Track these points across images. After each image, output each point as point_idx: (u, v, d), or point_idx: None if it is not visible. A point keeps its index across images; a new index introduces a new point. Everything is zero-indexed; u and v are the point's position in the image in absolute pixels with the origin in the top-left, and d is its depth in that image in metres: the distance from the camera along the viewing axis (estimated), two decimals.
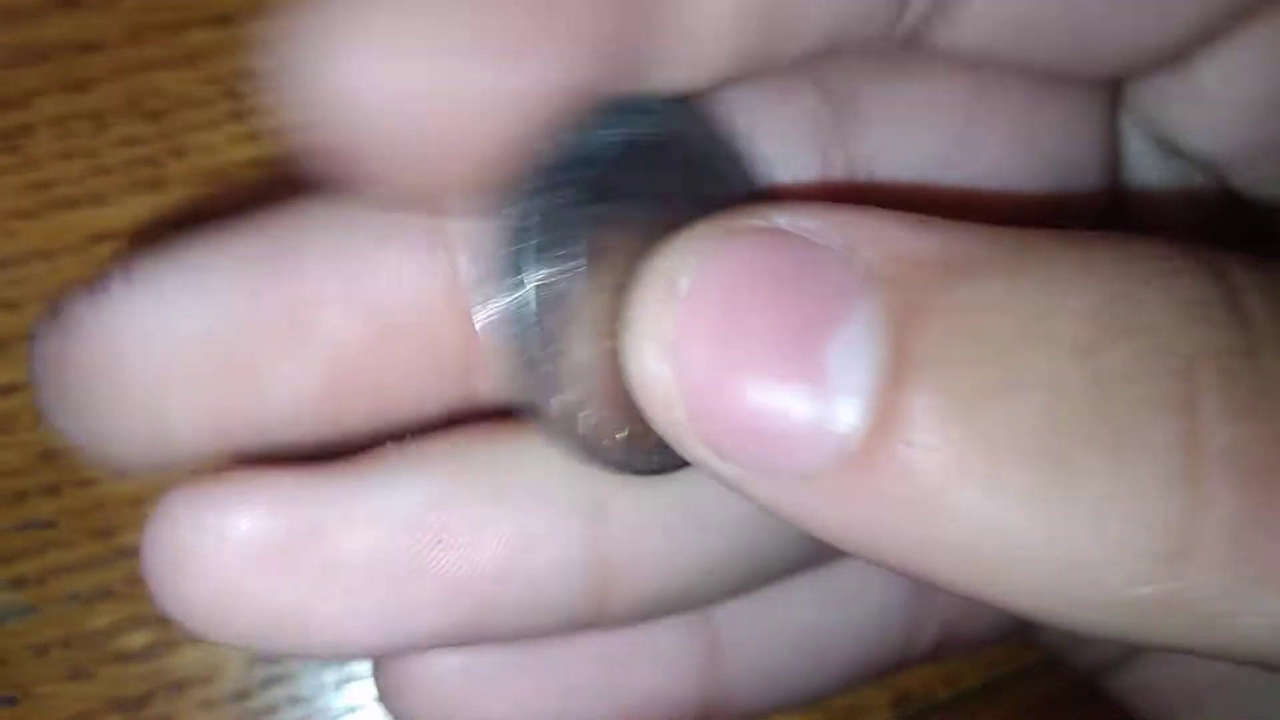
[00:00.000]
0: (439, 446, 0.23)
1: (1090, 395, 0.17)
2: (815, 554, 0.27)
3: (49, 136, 0.40)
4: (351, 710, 0.38)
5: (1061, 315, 0.17)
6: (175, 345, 0.21)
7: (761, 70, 0.21)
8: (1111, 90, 0.27)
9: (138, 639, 0.38)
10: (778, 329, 0.17)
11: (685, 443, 0.19)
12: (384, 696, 0.27)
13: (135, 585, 0.38)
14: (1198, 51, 0.24)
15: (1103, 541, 0.17)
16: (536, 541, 0.23)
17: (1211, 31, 0.23)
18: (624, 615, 0.24)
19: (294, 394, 0.22)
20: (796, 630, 0.29)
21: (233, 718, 0.38)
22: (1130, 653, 0.32)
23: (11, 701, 0.37)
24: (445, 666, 0.26)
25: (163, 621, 0.38)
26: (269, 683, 0.38)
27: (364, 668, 0.38)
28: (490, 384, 0.23)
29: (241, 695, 0.38)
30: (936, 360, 0.17)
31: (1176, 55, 0.24)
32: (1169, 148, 0.27)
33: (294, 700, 0.38)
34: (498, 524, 0.22)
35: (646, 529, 0.24)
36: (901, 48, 0.23)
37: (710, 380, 0.18)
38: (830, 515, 0.18)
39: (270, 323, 0.21)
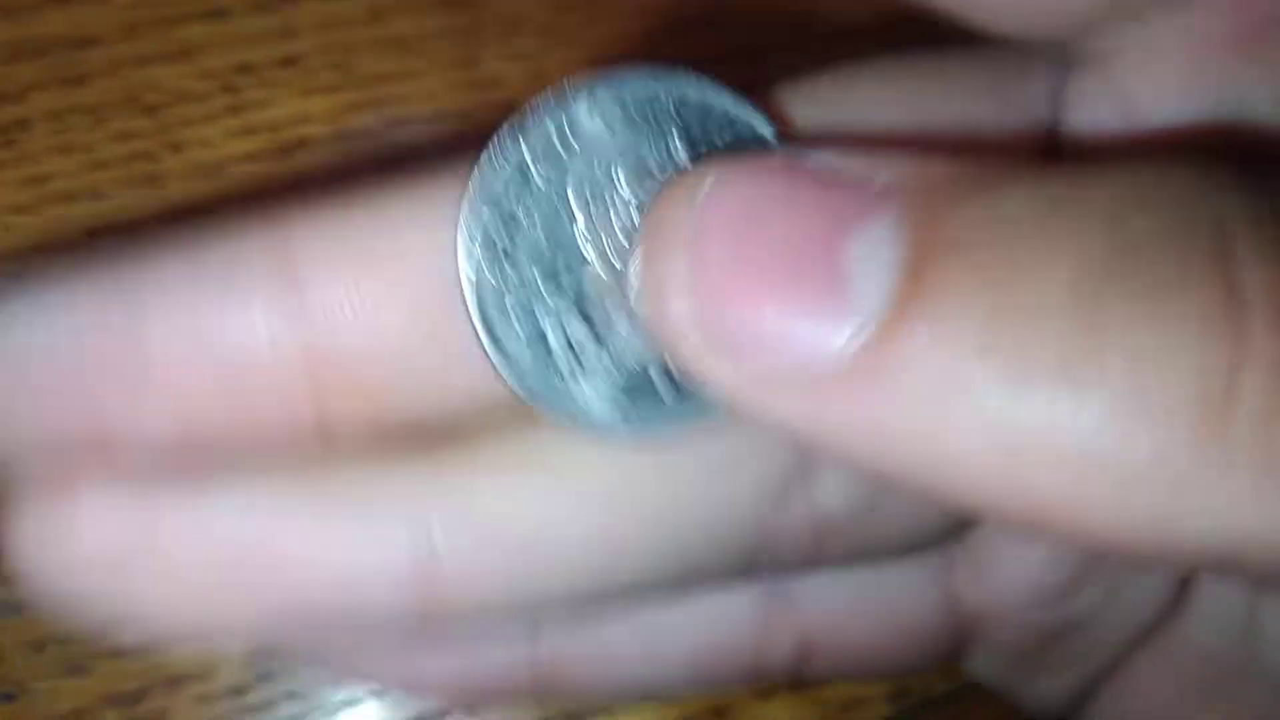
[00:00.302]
0: (277, 464, 0.23)
1: (1121, 257, 0.16)
2: (669, 579, 0.26)
3: (45, 131, 0.40)
4: (348, 705, 0.38)
5: (1085, 198, 0.17)
6: (23, 362, 0.22)
7: None
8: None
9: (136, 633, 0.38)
10: (797, 228, 0.17)
11: (698, 350, 0.18)
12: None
13: None
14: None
15: (1140, 399, 0.16)
16: (361, 569, 0.23)
17: None
18: (457, 622, 0.25)
19: (139, 432, 0.23)
20: (635, 625, 0.29)
21: (229, 713, 0.38)
22: (1088, 683, 0.31)
23: (8, 698, 0.37)
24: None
25: None
26: (265, 678, 0.38)
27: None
28: (345, 418, 0.24)
29: (238, 690, 0.38)
30: (960, 243, 0.17)
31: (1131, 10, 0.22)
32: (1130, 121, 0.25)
33: (290, 695, 0.38)
34: (322, 546, 0.23)
35: (477, 552, 0.24)
36: None
37: (728, 278, 0.18)
38: (843, 416, 0.17)
39: (116, 373, 0.22)
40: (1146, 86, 0.23)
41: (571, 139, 0.23)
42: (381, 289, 0.23)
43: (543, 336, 0.23)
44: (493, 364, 0.23)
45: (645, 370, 0.23)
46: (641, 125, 0.23)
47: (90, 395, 0.22)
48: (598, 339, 0.23)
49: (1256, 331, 0.16)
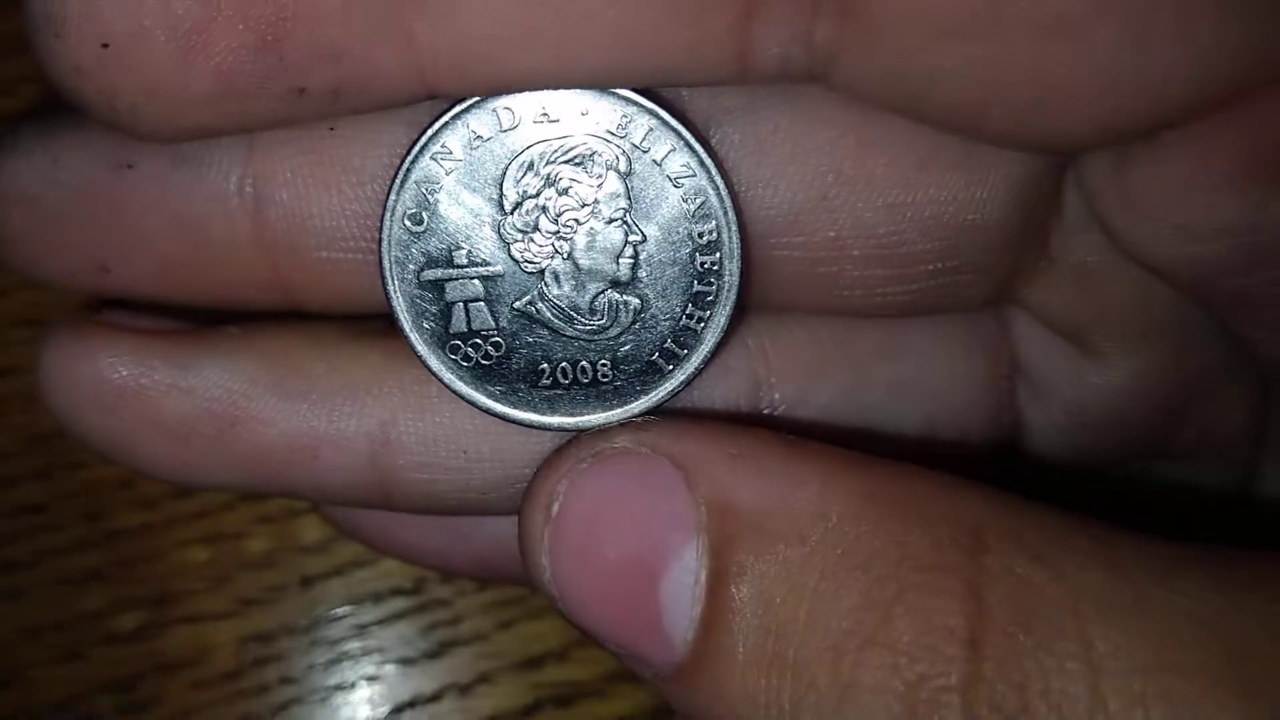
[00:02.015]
0: (259, 336, 0.28)
1: (836, 691, 0.21)
2: None
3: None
4: (341, 689, 0.39)
5: (828, 617, 0.21)
6: (51, 197, 0.26)
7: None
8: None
9: (128, 621, 0.38)
10: (624, 562, 0.23)
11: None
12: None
13: (126, 568, 0.38)
14: (1168, 130, 0.24)
15: None
16: (321, 443, 0.28)
17: (1191, 105, 0.23)
18: (409, 508, 0.29)
19: (134, 283, 0.27)
20: None
21: (223, 697, 0.38)
22: None
23: (5, 684, 0.37)
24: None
25: (153, 603, 0.39)
26: (259, 663, 0.38)
27: (355, 647, 0.39)
28: (308, 298, 0.28)
29: (232, 675, 0.38)
30: (738, 629, 0.22)
31: (1146, 129, 0.24)
32: (1129, 253, 0.27)
33: (284, 680, 0.39)
34: (287, 419, 0.27)
35: (428, 443, 0.28)
36: (808, 80, 0.24)
37: (575, 595, 0.24)
38: (684, 701, 0.23)
39: (105, 229, 0.27)
40: (1156, 200, 0.25)
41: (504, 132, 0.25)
42: (328, 188, 0.26)
43: (447, 312, 0.26)
44: (397, 319, 0.26)
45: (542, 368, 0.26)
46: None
47: (91, 248, 0.27)
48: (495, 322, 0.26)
49: (989, 640, 0.20)
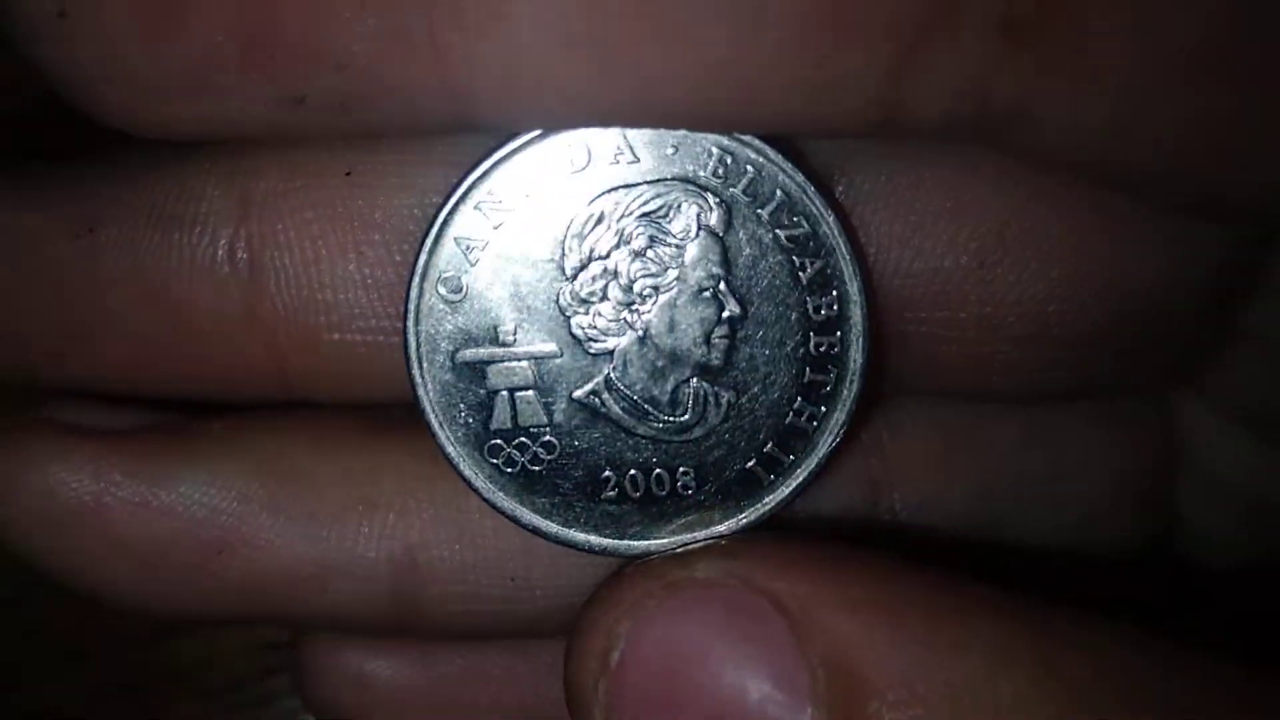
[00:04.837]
0: (251, 436, 0.23)
1: None
2: None
3: None
4: None
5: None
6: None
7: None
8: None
9: (137, 627, 0.37)
10: None
11: None
12: (303, 686, 0.28)
13: None
14: None
15: None
16: (332, 572, 0.23)
17: None
18: (438, 627, 0.25)
19: (96, 372, 0.23)
20: None
21: (229, 706, 0.38)
22: None
23: (12, 689, 0.37)
24: (368, 666, 0.27)
25: None
26: (266, 672, 0.38)
27: None
28: (313, 387, 0.23)
29: (238, 684, 0.38)
30: None
31: None
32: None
33: (290, 689, 0.38)
34: (289, 543, 0.23)
35: (463, 566, 0.24)
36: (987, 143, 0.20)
37: None
38: None
39: (67, 309, 0.22)
40: None
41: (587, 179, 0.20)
42: (343, 250, 0.22)
43: (489, 403, 0.21)
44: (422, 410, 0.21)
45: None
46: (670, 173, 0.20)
47: (44, 330, 0.22)
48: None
49: None
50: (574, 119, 0.19)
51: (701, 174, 0.20)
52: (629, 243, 0.21)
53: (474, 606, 0.24)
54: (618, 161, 0.20)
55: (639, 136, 0.20)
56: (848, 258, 0.20)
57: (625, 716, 0.18)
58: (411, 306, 0.21)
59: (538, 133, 0.20)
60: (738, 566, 0.18)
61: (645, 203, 0.20)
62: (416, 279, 0.21)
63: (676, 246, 0.21)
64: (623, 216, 0.20)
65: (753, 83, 0.18)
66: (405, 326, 0.21)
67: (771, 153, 0.20)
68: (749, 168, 0.20)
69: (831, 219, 0.20)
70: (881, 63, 0.18)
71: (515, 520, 0.21)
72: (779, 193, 0.20)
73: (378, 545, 0.23)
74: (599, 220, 0.20)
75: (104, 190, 0.22)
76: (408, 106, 0.19)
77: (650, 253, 0.21)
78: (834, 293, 0.21)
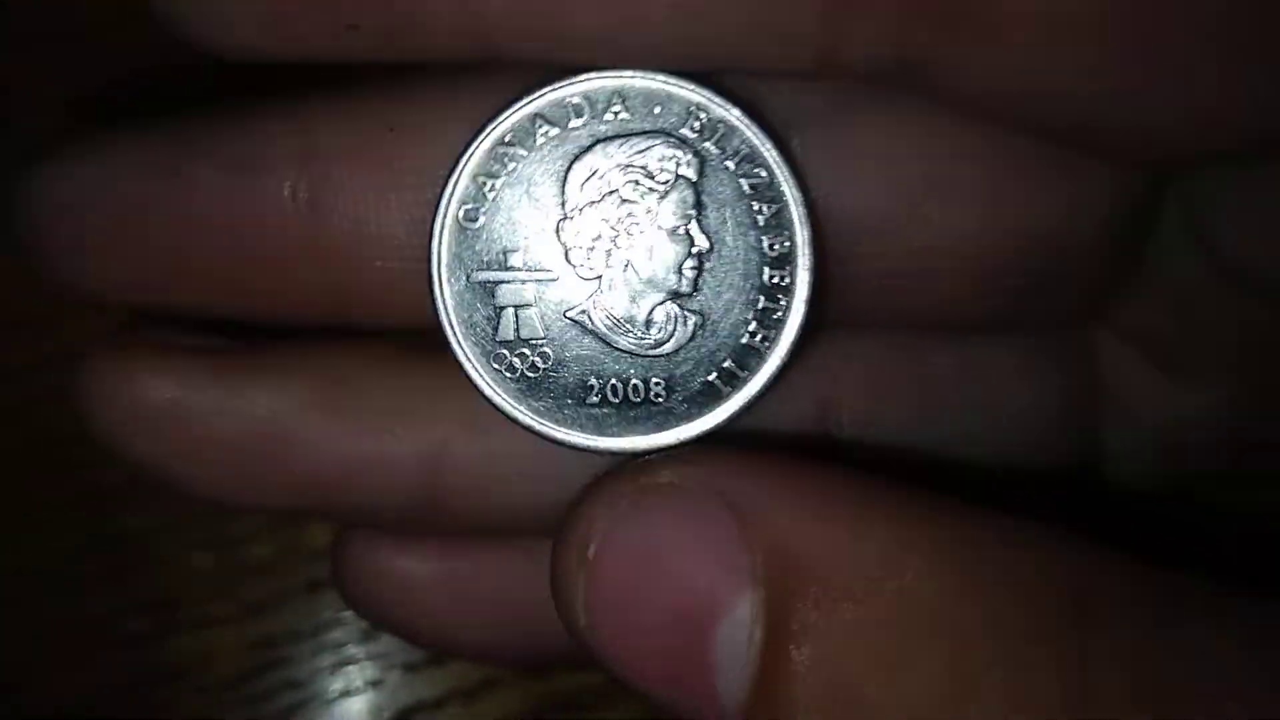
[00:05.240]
0: (309, 355, 0.28)
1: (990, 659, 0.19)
2: None
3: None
4: (347, 694, 0.39)
5: (906, 686, 0.19)
6: (99, 206, 0.26)
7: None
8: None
9: (134, 626, 0.38)
10: (669, 616, 0.21)
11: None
12: (341, 582, 0.31)
13: (132, 573, 0.38)
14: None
15: None
16: (372, 465, 0.27)
17: None
18: (461, 522, 0.28)
19: (181, 297, 0.27)
20: None
21: (229, 703, 0.38)
22: None
23: (10, 688, 0.37)
24: (396, 562, 0.30)
25: (160, 608, 0.38)
26: (265, 668, 0.38)
27: (359, 652, 0.39)
28: (368, 312, 0.27)
29: (238, 680, 0.38)
30: (799, 692, 0.19)
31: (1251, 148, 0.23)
32: (1233, 274, 0.26)
33: (290, 685, 0.39)
34: (337, 441, 0.27)
35: (481, 465, 0.27)
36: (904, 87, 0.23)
37: (615, 649, 0.21)
38: None
39: (158, 236, 0.26)
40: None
41: (575, 125, 0.24)
42: (386, 192, 0.25)
43: (496, 317, 0.24)
44: (443, 328, 0.24)
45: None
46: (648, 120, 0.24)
47: (138, 255, 0.26)
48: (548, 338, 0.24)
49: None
50: (567, 43, 0.23)
51: (681, 129, 0.24)
52: (619, 187, 0.24)
53: (491, 501, 0.27)
54: (613, 115, 0.24)
55: (631, 94, 0.24)
56: (798, 203, 0.24)
57: (602, 603, 0.21)
58: (436, 232, 0.24)
59: (547, 88, 0.24)
60: (695, 472, 0.21)
61: (633, 154, 0.24)
62: (441, 211, 0.24)
63: (658, 192, 0.24)
64: (615, 164, 0.24)
65: (720, 20, 0.22)
66: (430, 250, 0.24)
67: (739, 112, 0.24)
68: (720, 125, 0.24)
69: (785, 169, 0.24)
70: (816, 10, 0.22)
71: (515, 420, 0.25)
72: (744, 147, 0.24)
73: (410, 443, 0.27)
74: (594, 166, 0.24)
75: (190, 139, 0.26)
76: (438, 37, 0.23)
77: (636, 195, 0.24)
78: (786, 232, 0.24)
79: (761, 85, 0.25)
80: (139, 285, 0.26)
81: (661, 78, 0.23)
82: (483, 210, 0.24)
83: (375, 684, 0.39)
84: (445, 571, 0.30)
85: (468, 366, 0.24)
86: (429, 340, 0.26)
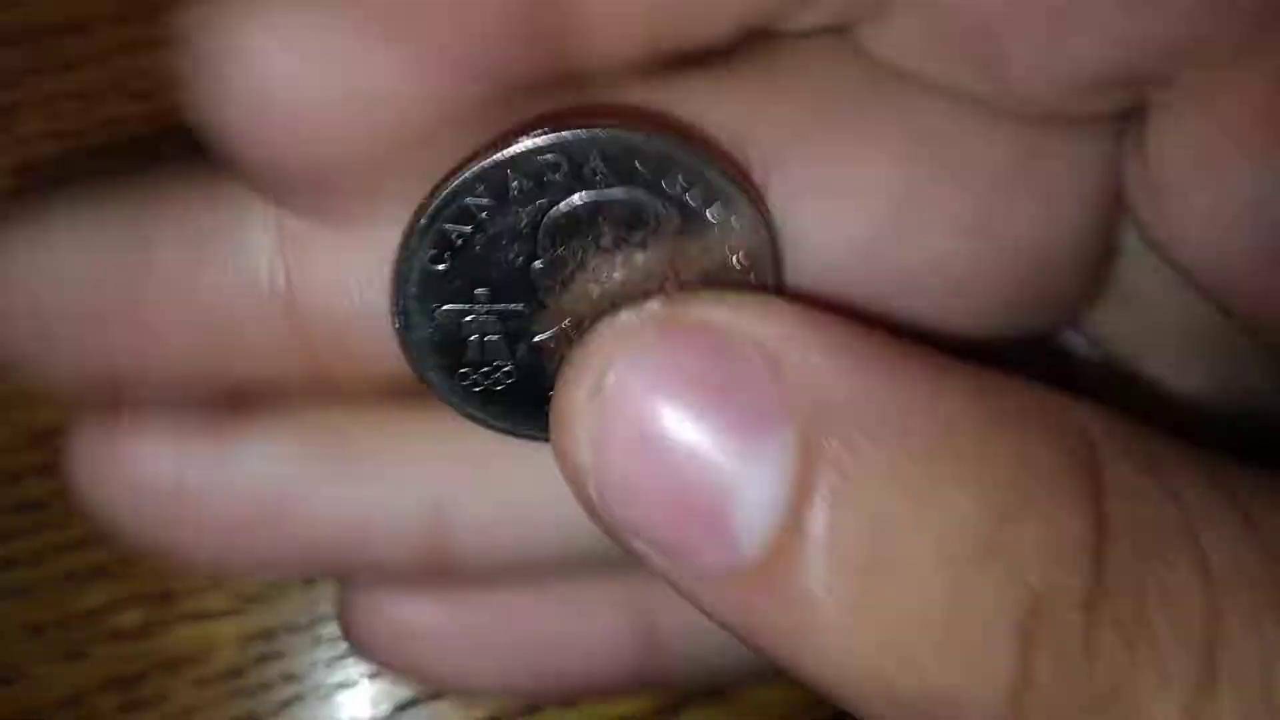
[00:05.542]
0: (295, 418, 0.26)
1: (948, 601, 0.19)
2: None
3: (36, 116, 0.40)
4: (344, 687, 0.39)
5: (940, 522, 0.19)
6: (57, 287, 0.23)
7: (679, 52, 0.22)
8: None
9: (131, 618, 0.38)
10: (691, 451, 0.19)
11: (601, 523, 0.20)
12: (347, 630, 0.30)
13: (128, 564, 0.38)
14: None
15: None
16: (374, 528, 0.26)
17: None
18: (464, 578, 0.28)
19: (145, 372, 0.24)
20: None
21: (226, 695, 0.38)
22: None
23: (7, 681, 0.37)
24: (403, 611, 0.29)
25: (156, 600, 0.38)
26: (262, 660, 0.38)
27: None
28: (347, 365, 0.25)
29: (234, 673, 0.38)
30: (829, 528, 0.19)
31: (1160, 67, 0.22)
32: (1158, 251, 0.25)
33: (287, 677, 0.38)
34: (336, 502, 0.26)
35: (487, 515, 0.26)
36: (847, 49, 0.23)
37: (624, 486, 0.20)
38: (722, 615, 0.20)
39: (119, 313, 0.23)
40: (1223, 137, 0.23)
41: (552, 175, 0.23)
42: (369, 263, 0.23)
43: (461, 346, 0.23)
44: (399, 339, 0.23)
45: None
46: (627, 175, 0.23)
47: (98, 332, 0.24)
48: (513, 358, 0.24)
49: (1110, 550, 0.19)
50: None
51: (661, 183, 0.23)
52: (596, 241, 0.23)
53: (493, 542, 0.27)
54: (592, 171, 0.23)
55: (610, 149, 0.23)
56: (769, 244, 0.24)
57: (616, 435, 0.20)
58: (402, 271, 0.23)
59: (524, 138, 0.22)
60: (728, 311, 0.20)
61: (613, 207, 0.23)
62: (408, 248, 0.23)
63: (636, 244, 0.23)
64: (592, 218, 0.23)
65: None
66: (394, 288, 0.23)
67: (717, 165, 0.23)
68: (699, 177, 0.23)
69: (760, 217, 0.23)
70: None
71: (470, 418, 0.24)
72: (722, 196, 0.23)
73: (414, 496, 0.26)
74: (571, 220, 0.23)
75: (159, 211, 0.24)
76: None
77: (613, 250, 0.23)
78: (760, 270, 0.24)
79: (740, 127, 0.24)
80: (111, 366, 0.24)
81: (640, 135, 0.23)
82: (448, 254, 0.23)
83: (373, 676, 0.39)
84: (454, 618, 0.29)
85: (431, 379, 0.24)
86: (407, 397, 0.25)
